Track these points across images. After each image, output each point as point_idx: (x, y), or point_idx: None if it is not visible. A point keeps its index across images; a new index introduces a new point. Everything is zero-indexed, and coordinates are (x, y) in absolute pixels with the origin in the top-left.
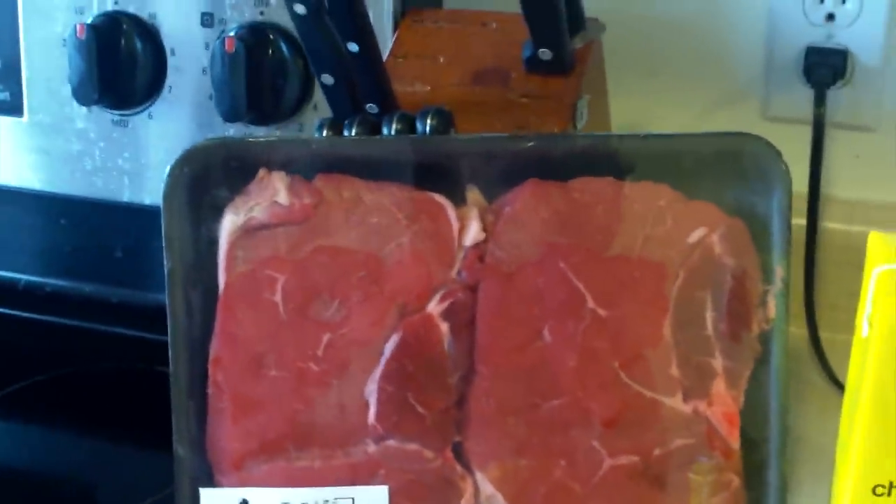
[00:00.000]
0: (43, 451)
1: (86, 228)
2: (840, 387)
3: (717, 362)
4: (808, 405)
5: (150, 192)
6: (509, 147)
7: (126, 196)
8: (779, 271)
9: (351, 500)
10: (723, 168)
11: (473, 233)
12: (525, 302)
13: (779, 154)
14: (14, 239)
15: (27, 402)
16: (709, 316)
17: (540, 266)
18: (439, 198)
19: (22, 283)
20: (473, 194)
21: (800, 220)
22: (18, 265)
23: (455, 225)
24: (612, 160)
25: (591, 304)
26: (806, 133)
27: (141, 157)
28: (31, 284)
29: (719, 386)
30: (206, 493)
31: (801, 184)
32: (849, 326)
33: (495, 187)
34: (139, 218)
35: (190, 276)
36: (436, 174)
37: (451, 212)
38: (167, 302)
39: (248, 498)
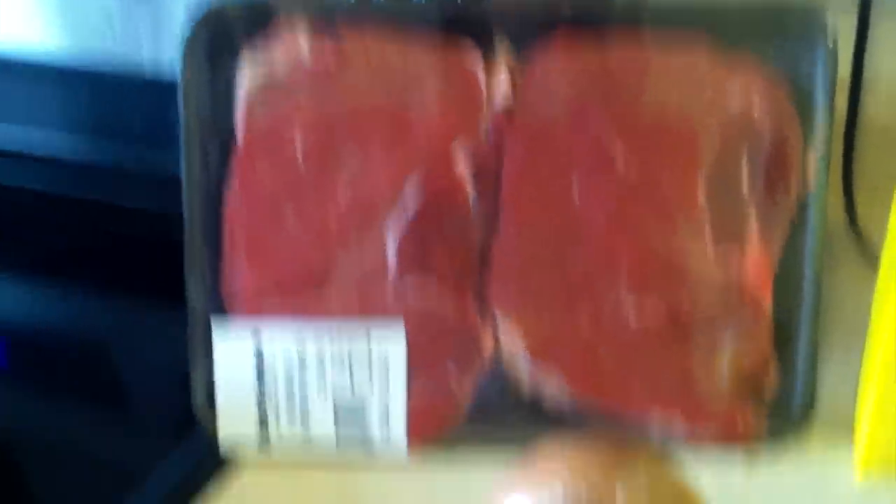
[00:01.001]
0: (65, 316)
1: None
2: (876, 264)
3: (752, 224)
4: (842, 280)
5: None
6: (542, 3)
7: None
8: (820, 134)
9: (366, 332)
10: (765, 27)
11: (502, 92)
12: (553, 163)
13: (824, 12)
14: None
15: (48, 271)
16: (745, 178)
17: (569, 126)
18: (468, 56)
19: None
20: (503, 52)
21: (841, 102)
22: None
23: (483, 84)
24: (649, 17)
25: (621, 165)
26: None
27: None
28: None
29: (753, 249)
30: (217, 322)
31: (843, 66)
32: (887, 207)
33: (526, 45)
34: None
35: (206, 128)
36: (464, 31)
37: (479, 70)
38: (182, 154)
39: (260, 328)
